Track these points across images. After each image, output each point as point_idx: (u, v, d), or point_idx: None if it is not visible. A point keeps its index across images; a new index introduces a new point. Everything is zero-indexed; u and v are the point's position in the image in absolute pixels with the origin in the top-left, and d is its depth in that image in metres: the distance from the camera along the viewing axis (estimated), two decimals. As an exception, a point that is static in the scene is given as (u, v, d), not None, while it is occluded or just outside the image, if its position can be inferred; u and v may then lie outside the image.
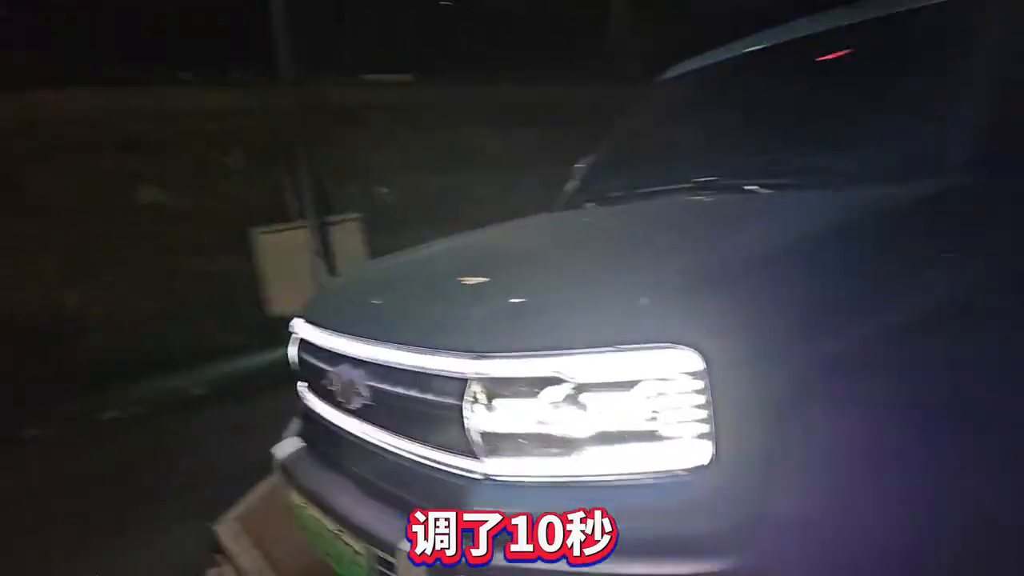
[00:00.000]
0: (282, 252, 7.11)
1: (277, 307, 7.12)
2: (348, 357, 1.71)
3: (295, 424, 2.18)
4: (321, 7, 8.67)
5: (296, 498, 1.86)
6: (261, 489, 3.72)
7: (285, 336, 7.44)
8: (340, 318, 1.85)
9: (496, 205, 10.64)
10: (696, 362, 1.19)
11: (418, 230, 9.28)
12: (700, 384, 1.19)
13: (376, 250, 8.04)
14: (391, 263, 2.37)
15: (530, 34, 11.08)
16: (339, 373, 1.74)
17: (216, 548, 3.20)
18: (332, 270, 5.00)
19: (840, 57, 2.33)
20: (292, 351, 2.13)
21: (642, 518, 1.25)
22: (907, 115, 1.95)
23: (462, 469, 1.40)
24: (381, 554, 1.48)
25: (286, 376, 6.74)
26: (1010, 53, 1.88)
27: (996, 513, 1.51)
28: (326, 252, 4.98)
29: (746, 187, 2.01)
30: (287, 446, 2.05)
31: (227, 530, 3.28)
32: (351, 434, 1.74)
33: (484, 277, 1.78)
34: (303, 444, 2.04)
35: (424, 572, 1.34)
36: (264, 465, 3.89)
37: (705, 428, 1.20)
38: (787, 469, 1.23)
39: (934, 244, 1.63)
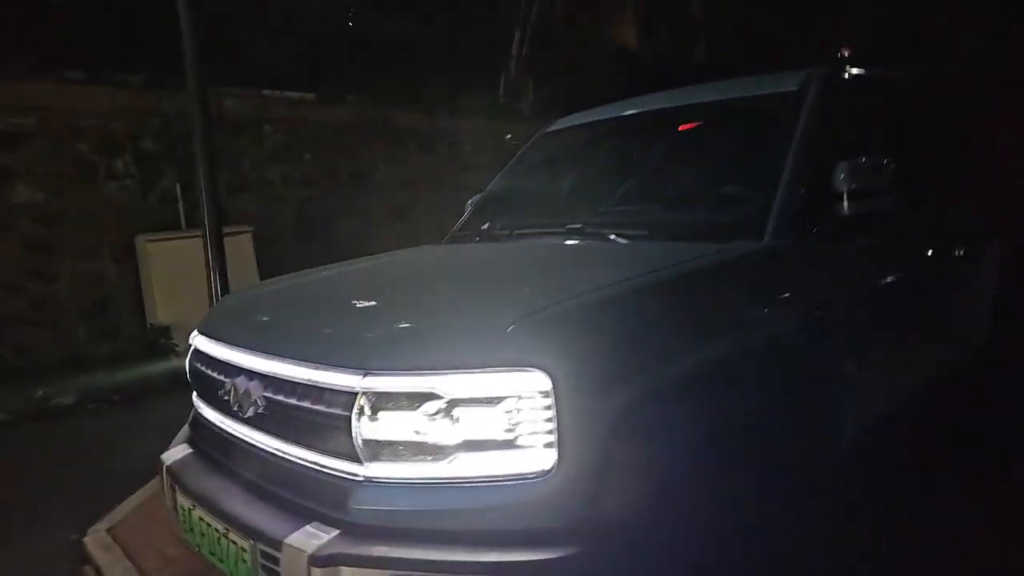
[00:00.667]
0: (169, 261, 6.92)
1: (160, 317, 6.91)
2: (245, 369, 1.86)
3: (184, 431, 2.28)
4: (225, 18, 8.57)
5: (184, 500, 1.97)
6: (132, 500, 3.70)
7: (165, 347, 7.27)
8: (239, 332, 1.99)
9: (388, 227, 10.81)
10: (545, 383, 1.45)
11: (309, 246, 9.27)
12: (549, 402, 1.46)
13: (266, 264, 7.97)
14: (288, 283, 2.53)
15: (433, 65, 11.37)
16: (235, 384, 1.88)
17: (84, 560, 3.17)
18: (225, 284, 4.96)
19: (693, 130, 2.74)
20: (188, 361, 2.24)
21: (499, 514, 1.49)
22: (738, 186, 2.35)
23: (346, 472, 1.59)
24: (267, 549, 1.63)
25: (162, 388, 6.60)
26: (817, 146, 2.32)
27: (769, 519, 1.87)
28: (220, 265, 4.94)
29: (608, 236, 2.34)
30: (175, 452, 2.15)
31: (96, 541, 3.25)
32: (242, 440, 1.89)
33: (375, 302, 1.99)
34: (191, 450, 2.15)
35: (306, 564, 1.52)
36: (133, 477, 3.87)
37: (551, 439, 1.47)
38: (615, 476, 1.51)
39: (749, 293, 2.00)
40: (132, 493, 3.76)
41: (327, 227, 9.27)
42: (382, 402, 1.54)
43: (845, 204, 2.20)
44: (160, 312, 6.88)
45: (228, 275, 5.23)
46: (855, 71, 2.83)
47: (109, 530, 3.34)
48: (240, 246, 6.81)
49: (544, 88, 13.00)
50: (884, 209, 2.26)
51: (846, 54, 2.91)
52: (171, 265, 6.91)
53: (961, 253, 3.07)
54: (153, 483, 3.89)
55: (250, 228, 7.67)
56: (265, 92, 8.95)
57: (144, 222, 7.45)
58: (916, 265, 2.67)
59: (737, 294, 1.98)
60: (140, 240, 7.03)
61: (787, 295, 2.07)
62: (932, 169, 3.09)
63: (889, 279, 2.51)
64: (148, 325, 7.04)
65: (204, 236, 5.11)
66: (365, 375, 1.55)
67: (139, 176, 7.65)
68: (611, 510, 1.49)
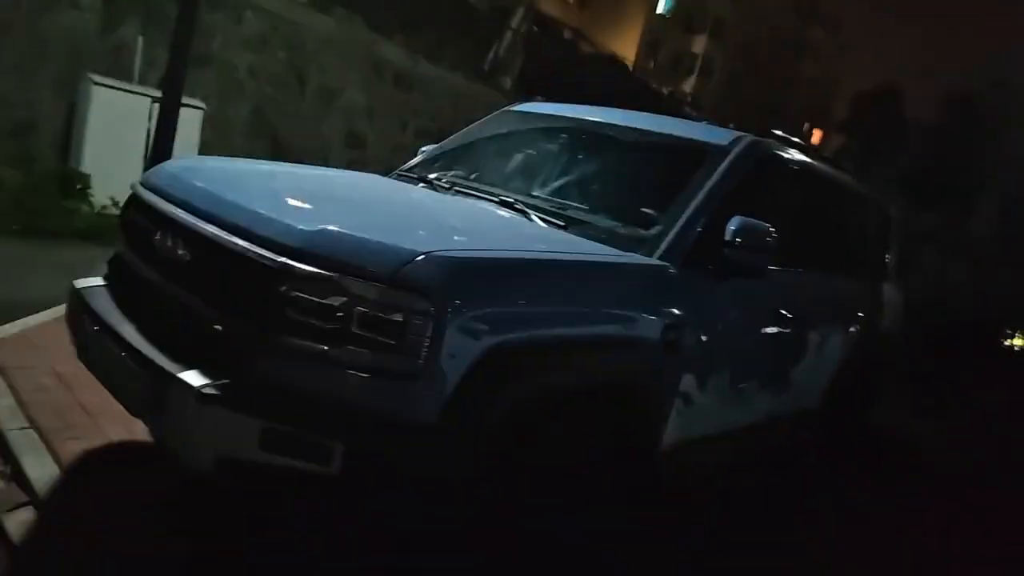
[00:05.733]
0: (110, 111, 6.77)
1: (84, 163, 6.75)
2: (180, 224, 2.07)
3: (102, 267, 2.45)
4: None
5: (88, 323, 2.16)
6: (15, 326, 3.77)
7: (79, 194, 7.19)
8: (181, 191, 2.19)
9: (341, 150, 10.78)
10: (430, 308, 1.76)
11: (254, 145, 9.17)
12: (429, 324, 1.76)
13: (208, 148, 7.87)
14: (236, 164, 2.74)
15: (434, 11, 11.35)
16: (167, 236, 2.09)
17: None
18: (169, 151, 4.97)
19: (634, 149, 3.10)
20: (123, 206, 2.41)
21: (369, 399, 1.78)
22: (651, 209, 2.71)
23: (248, 334, 1.84)
24: (159, 379, 1.85)
25: (67, 233, 6.48)
26: (723, 197, 2.71)
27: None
28: (171, 130, 4.95)
29: (531, 216, 2.65)
30: (89, 281, 2.33)
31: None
32: (158, 286, 2.11)
33: (315, 200, 2.24)
34: (104, 284, 2.34)
35: (192, 399, 1.76)
36: (19, 307, 3.92)
37: (423, 353, 1.77)
38: (461, 405, 1.82)
39: (626, 296, 2.35)
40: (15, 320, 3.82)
41: (279, 129, 9.20)
42: (298, 284, 1.79)
43: (727, 251, 2.58)
44: (86, 157, 6.73)
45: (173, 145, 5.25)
46: (779, 145, 3.25)
47: (-13, 347, 3.41)
48: (188, 120, 6.74)
49: (531, 70, 13.20)
50: (759, 265, 2.65)
51: (778, 132, 3.32)
52: (111, 115, 6.76)
53: (818, 325, 3.56)
54: (38, 316, 3.96)
55: (203, 106, 7.57)
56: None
57: (93, 63, 7.22)
58: (773, 320, 3.11)
59: (616, 294, 2.33)
60: (86, 79, 6.83)
61: (655, 308, 2.43)
62: (817, 248, 3.57)
63: (746, 325, 2.94)
64: (70, 168, 6.86)
65: (163, 97, 5.09)
66: (289, 257, 1.80)
67: (103, 14, 7.39)
68: (452, 422, 1.81)
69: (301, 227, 1.90)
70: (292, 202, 2.16)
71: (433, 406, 1.79)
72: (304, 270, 1.80)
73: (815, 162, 3.60)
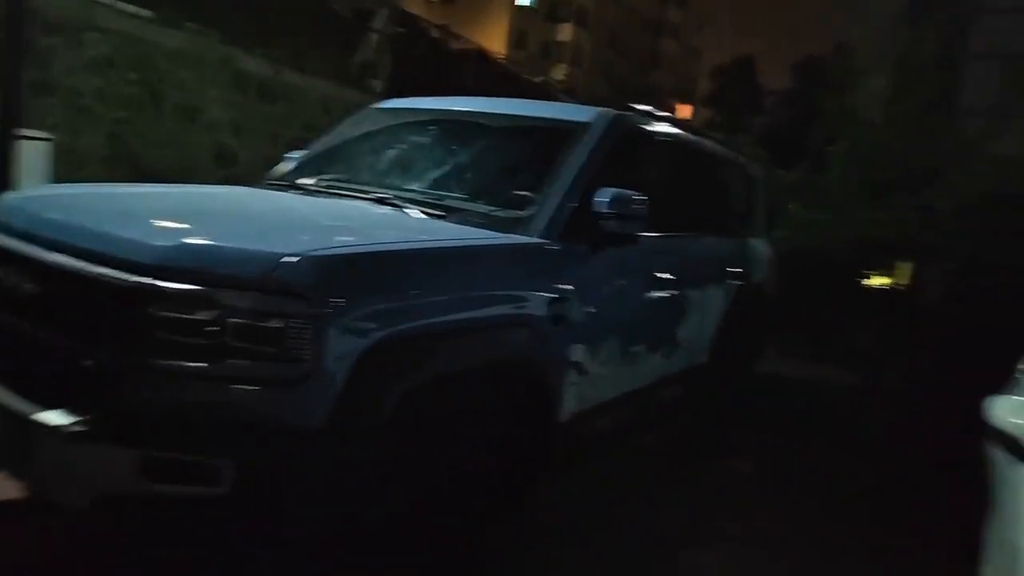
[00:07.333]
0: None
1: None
2: (24, 258, 1.93)
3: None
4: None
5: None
6: None
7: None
8: (24, 224, 2.03)
9: (211, 170, 10.30)
10: (308, 309, 1.72)
11: (116, 171, 8.62)
12: (309, 326, 1.73)
13: (64, 180, 7.32)
14: (84, 189, 2.57)
15: (291, 16, 11.04)
16: (10, 272, 1.94)
17: None
18: (5, 186, 4.56)
19: (500, 136, 3.14)
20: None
21: (252, 409, 1.74)
22: (525, 190, 2.76)
23: (118, 363, 1.74)
24: (19, 425, 1.72)
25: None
26: (591, 171, 2.80)
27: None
28: (3, 164, 4.54)
29: (408, 209, 2.64)
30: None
31: None
32: (11, 327, 1.95)
33: (177, 217, 2.11)
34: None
35: (61, 439, 1.65)
36: None
37: (306, 356, 1.73)
38: (350, 400, 1.80)
39: (509, 275, 2.39)
40: None
41: (141, 156, 8.68)
42: (163, 303, 1.71)
43: (600, 222, 2.67)
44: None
45: (17, 182, 4.84)
46: (642, 118, 3.39)
47: None
48: (33, 153, 6.22)
49: (401, 70, 13.06)
50: (632, 231, 2.75)
51: (638, 106, 3.46)
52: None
53: (698, 284, 3.75)
54: None
55: (49, 136, 7.02)
56: (94, -5, 8.23)
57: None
58: (654, 283, 3.25)
59: (498, 274, 2.37)
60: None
61: (538, 284, 2.48)
62: (689, 211, 3.75)
63: (628, 290, 3.05)
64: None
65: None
66: (150, 276, 1.71)
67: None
68: (342, 423, 1.78)
69: (159, 243, 1.81)
70: (148, 220, 2.05)
71: (321, 409, 1.76)
72: (167, 288, 1.71)
73: (679, 131, 3.77)
